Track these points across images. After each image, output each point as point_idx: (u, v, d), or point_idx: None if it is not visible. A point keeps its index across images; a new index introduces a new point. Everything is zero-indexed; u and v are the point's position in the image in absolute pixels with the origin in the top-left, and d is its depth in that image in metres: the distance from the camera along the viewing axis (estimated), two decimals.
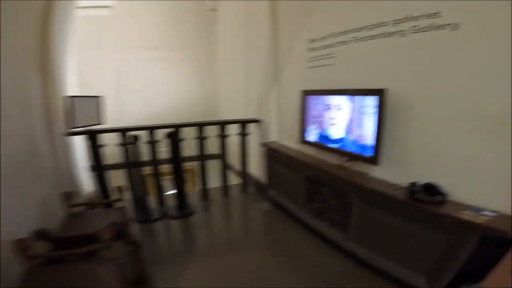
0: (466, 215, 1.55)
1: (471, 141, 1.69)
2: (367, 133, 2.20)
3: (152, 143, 3.27)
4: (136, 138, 3.13)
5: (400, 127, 2.06)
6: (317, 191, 2.74)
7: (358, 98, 2.26)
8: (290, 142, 3.36)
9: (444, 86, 1.79)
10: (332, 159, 2.64)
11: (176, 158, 3.34)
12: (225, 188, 3.84)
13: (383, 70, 2.17)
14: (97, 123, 3.03)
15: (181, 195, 3.45)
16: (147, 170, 3.39)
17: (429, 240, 1.77)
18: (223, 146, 3.68)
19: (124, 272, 1.65)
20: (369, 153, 2.19)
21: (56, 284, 1.42)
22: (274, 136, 3.70)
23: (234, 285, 2.17)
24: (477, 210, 1.58)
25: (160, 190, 3.48)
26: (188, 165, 4.33)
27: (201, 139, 3.51)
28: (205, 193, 3.72)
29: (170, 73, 5.77)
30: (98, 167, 3.12)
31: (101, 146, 3.09)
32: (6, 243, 1.50)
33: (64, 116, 2.70)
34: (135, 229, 2.85)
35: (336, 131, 2.53)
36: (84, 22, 4.61)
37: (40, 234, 1.67)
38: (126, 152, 3.15)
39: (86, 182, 3.26)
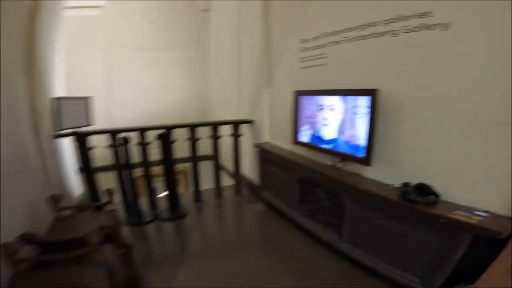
0: (459, 216, 1.54)
1: (462, 141, 1.69)
2: (360, 134, 2.19)
3: (143, 144, 3.22)
4: (126, 139, 3.07)
5: (392, 128, 2.05)
6: (310, 192, 2.73)
7: (350, 98, 2.25)
8: (283, 143, 3.34)
9: (435, 86, 1.79)
10: (325, 160, 2.63)
11: (168, 160, 3.30)
12: (218, 189, 3.81)
13: (375, 70, 2.16)
14: (85, 124, 2.97)
15: (173, 197, 3.40)
16: (138, 172, 3.34)
17: (422, 240, 1.76)
18: (215, 147, 3.64)
19: (116, 275, 1.63)
20: (361, 154, 2.18)
21: None
22: (267, 137, 3.68)
23: (227, 287, 2.15)
24: (470, 210, 1.58)
25: (151, 192, 3.43)
26: (180, 166, 4.28)
27: (193, 140, 3.47)
28: (197, 194, 3.68)
29: (161, 74, 5.71)
30: (87, 170, 3.05)
31: (90, 148, 3.02)
32: None
33: (51, 118, 2.63)
34: (126, 232, 2.81)
35: (329, 132, 2.52)
36: (73, 22, 4.53)
37: (27, 238, 1.64)
38: (116, 154, 3.09)
39: (75, 185, 3.19)
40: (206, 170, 3.81)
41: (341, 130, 2.38)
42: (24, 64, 2.39)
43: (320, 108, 2.58)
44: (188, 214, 3.37)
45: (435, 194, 1.75)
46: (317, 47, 2.70)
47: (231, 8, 4.34)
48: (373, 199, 2.04)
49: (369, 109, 2.06)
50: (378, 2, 2.07)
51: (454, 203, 1.70)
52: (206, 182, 3.80)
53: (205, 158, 3.81)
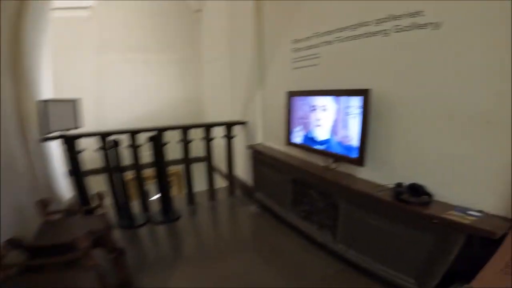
0: (452, 216, 1.54)
1: (453, 140, 1.68)
2: (352, 134, 2.17)
3: (134, 147, 3.16)
4: (116, 142, 3.02)
5: (385, 128, 2.04)
6: (304, 193, 2.71)
7: (343, 98, 2.24)
8: (276, 144, 3.32)
9: (427, 86, 1.78)
10: (318, 161, 2.62)
11: (160, 162, 3.25)
12: (211, 191, 3.77)
13: (367, 70, 2.15)
14: (73, 127, 2.90)
15: (166, 200, 3.35)
16: (130, 174, 3.28)
17: (416, 241, 1.75)
18: (208, 149, 3.61)
19: (107, 280, 1.61)
20: (354, 154, 2.17)
21: None
22: (260, 138, 3.65)
23: None
24: (463, 210, 1.58)
25: (144, 195, 3.37)
26: (173, 168, 4.23)
27: (186, 142, 3.43)
28: (191, 197, 3.63)
29: (154, 75, 5.65)
30: (77, 173, 2.99)
31: (79, 151, 2.96)
32: None
33: (38, 121, 2.57)
34: (118, 235, 2.77)
35: (322, 133, 2.50)
36: (62, 23, 4.46)
37: (14, 243, 1.62)
38: (106, 157, 3.04)
39: (64, 189, 3.13)
40: (199, 172, 3.77)
41: (334, 131, 2.37)
42: (10, 66, 2.33)
43: (313, 108, 2.56)
44: (181, 216, 3.32)
45: (428, 194, 1.74)
46: (309, 47, 2.68)
47: (223, 9, 4.31)
48: (366, 200, 2.02)
49: (362, 110, 2.04)
50: (370, 1, 2.05)
51: (448, 203, 1.69)
52: (200, 184, 3.76)
53: (198, 160, 3.77)
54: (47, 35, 3.05)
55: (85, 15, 4.96)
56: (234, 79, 4.17)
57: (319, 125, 2.53)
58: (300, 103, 2.72)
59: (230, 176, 3.85)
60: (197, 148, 3.64)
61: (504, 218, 1.46)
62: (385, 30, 1.96)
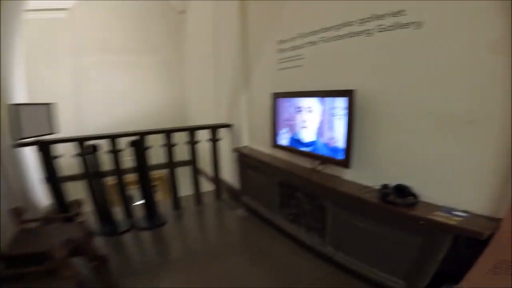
0: (438, 217, 1.52)
1: (437, 140, 1.68)
2: (338, 136, 2.15)
3: (114, 152, 3.05)
4: (95, 147, 2.91)
5: (370, 129, 2.03)
6: (291, 195, 2.67)
7: (328, 99, 2.21)
8: (262, 147, 3.28)
9: (410, 85, 1.77)
10: (305, 163, 2.58)
11: (142, 167, 3.15)
12: (197, 195, 3.69)
13: (351, 71, 2.13)
14: (48, 132, 2.77)
15: (150, 205, 3.25)
16: (111, 180, 3.16)
17: (403, 242, 1.73)
18: (193, 152, 3.52)
19: None
20: (340, 156, 2.15)
21: None
22: (246, 141, 3.60)
23: None
24: (449, 210, 1.57)
25: (126, 200, 3.26)
26: (158, 173, 4.12)
27: (170, 146, 3.34)
28: (176, 201, 3.54)
29: (136, 78, 5.50)
30: (53, 180, 2.85)
31: (55, 157, 2.82)
32: None
33: (10, 126, 2.44)
34: (100, 243, 2.66)
35: (308, 134, 2.47)
36: (38, 25, 4.29)
37: None
38: (84, 162, 2.91)
39: (41, 196, 2.98)
40: (185, 176, 3.68)
41: (319, 132, 2.34)
42: None
43: (299, 110, 2.53)
44: (167, 222, 3.23)
45: (414, 195, 1.73)
46: (294, 48, 2.65)
47: (208, 9, 4.23)
48: (353, 202, 2.00)
49: (347, 111, 2.02)
50: (354, 1, 2.04)
51: (433, 203, 1.68)
52: (186, 189, 3.67)
53: (183, 164, 3.68)
54: (20, 36, 2.91)
55: (62, 17, 4.78)
56: (219, 81, 4.10)
57: (305, 127, 2.49)
58: (286, 104, 2.68)
59: (216, 179, 3.77)
60: (182, 152, 3.55)
61: (489, 218, 1.46)
62: (368, 30, 1.95)
